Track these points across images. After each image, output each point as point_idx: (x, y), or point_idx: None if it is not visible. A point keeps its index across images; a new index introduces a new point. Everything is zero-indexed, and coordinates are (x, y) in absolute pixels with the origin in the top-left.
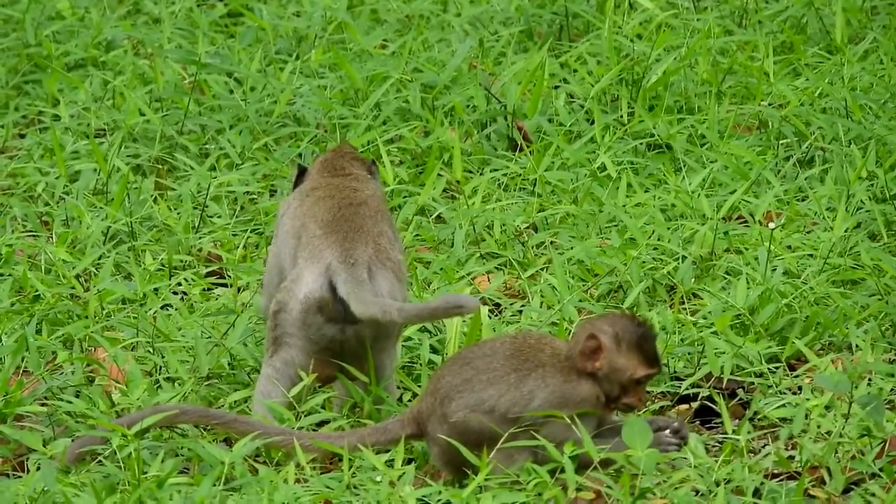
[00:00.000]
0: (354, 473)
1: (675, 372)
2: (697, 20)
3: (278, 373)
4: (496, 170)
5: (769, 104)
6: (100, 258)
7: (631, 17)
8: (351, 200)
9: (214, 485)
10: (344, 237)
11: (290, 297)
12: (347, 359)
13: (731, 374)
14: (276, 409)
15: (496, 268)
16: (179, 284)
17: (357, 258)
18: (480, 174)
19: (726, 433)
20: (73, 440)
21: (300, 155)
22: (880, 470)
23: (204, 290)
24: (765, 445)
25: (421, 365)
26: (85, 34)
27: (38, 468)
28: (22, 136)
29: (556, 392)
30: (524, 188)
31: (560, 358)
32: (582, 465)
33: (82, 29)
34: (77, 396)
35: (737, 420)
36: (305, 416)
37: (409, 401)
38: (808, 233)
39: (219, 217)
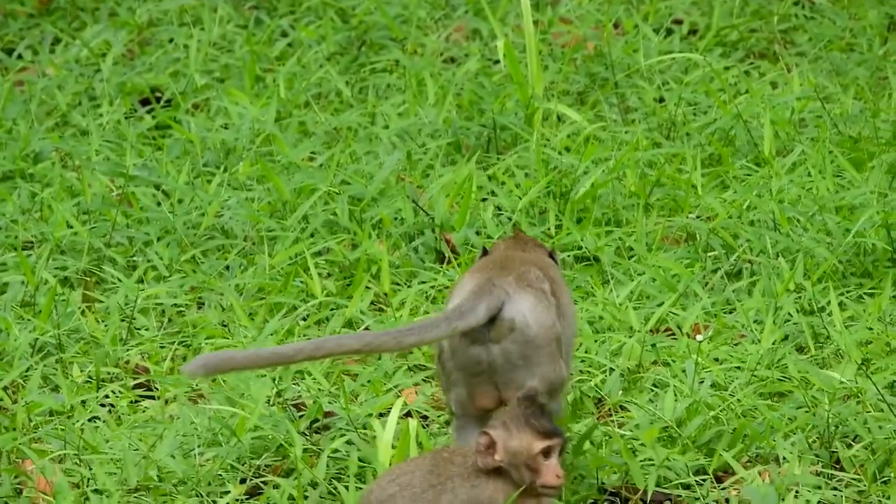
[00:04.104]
0: None
1: (602, 483)
2: (625, 133)
3: (459, 416)
4: (424, 282)
5: (697, 217)
6: (27, 370)
7: (559, 130)
8: (508, 255)
9: None
10: (488, 272)
11: None
12: (502, 380)
13: (659, 486)
14: None
15: (423, 380)
16: (107, 396)
17: (487, 288)
18: (408, 286)
19: None
20: None
21: (227, 267)
22: None
23: (131, 402)
24: None
25: (349, 476)
26: (13, 146)
27: None
28: None
29: (466, 500)
30: None
31: (467, 466)
32: None
33: (10, 141)
34: None
35: None
36: None
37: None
38: (735, 345)
39: (146, 329)
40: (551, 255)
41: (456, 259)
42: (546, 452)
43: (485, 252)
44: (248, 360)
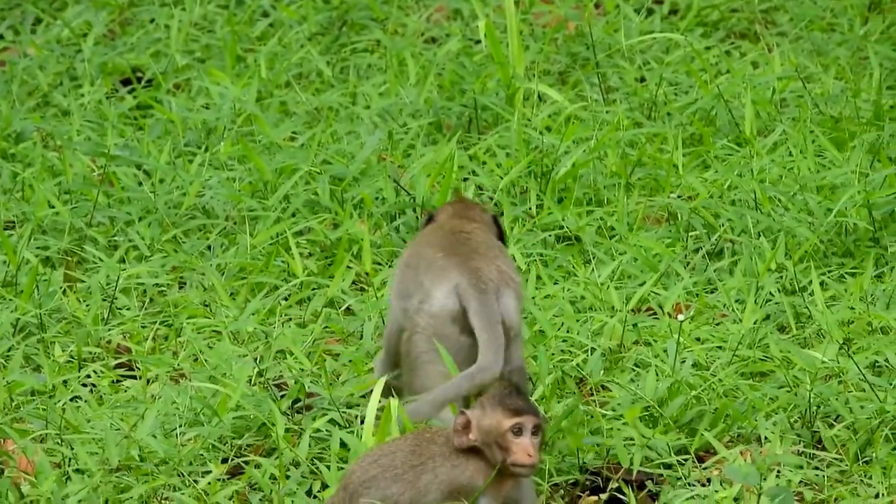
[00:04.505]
0: None
1: (584, 463)
2: (606, 112)
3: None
4: None
5: (678, 196)
6: (9, 350)
7: (540, 110)
8: (461, 229)
9: None
10: (466, 258)
11: (422, 315)
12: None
13: (641, 465)
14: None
15: None
16: (89, 376)
17: (486, 282)
18: (390, 266)
19: None
20: None
21: (209, 247)
22: None
23: (113, 381)
24: None
25: (331, 456)
26: None
27: None
28: None
29: (446, 480)
30: None
31: (449, 446)
32: None
33: None
34: None
35: None
36: None
37: (319, 492)
38: (717, 325)
39: (128, 309)
40: (495, 220)
41: None
42: (516, 431)
43: (430, 219)
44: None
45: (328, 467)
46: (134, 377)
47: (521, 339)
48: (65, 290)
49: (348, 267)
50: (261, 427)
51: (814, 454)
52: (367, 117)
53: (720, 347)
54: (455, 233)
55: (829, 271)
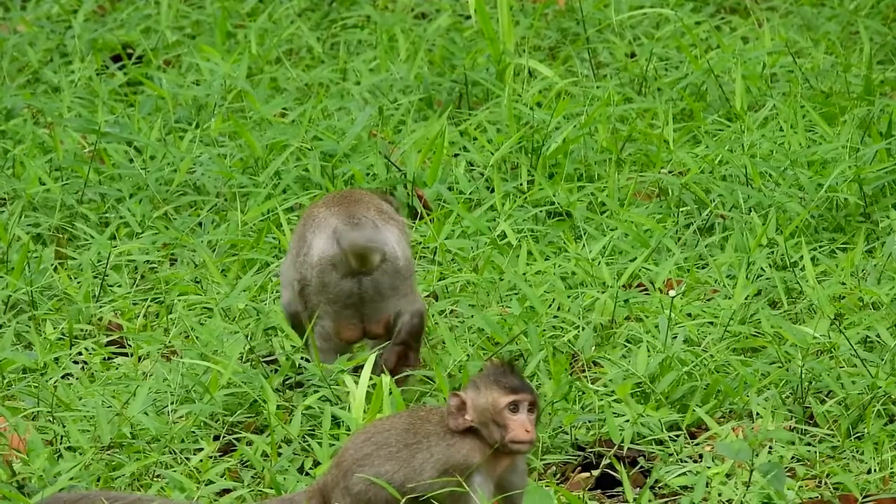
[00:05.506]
0: None
1: (576, 440)
2: (597, 88)
3: (323, 344)
4: None
5: (669, 172)
6: (0, 327)
7: (530, 86)
8: (350, 190)
9: None
10: (347, 207)
11: (306, 266)
12: (369, 311)
13: (633, 442)
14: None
15: None
16: (80, 354)
17: (360, 219)
18: None
19: (627, 502)
20: None
21: (200, 224)
22: None
23: (104, 359)
24: None
25: (322, 433)
26: None
27: None
28: None
29: (441, 459)
30: (424, 256)
31: (444, 424)
32: None
33: None
34: None
35: (638, 488)
36: (206, 485)
37: (311, 469)
38: (708, 300)
39: (119, 286)
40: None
41: (428, 214)
42: (513, 408)
43: None
44: None
45: (320, 444)
46: (125, 354)
47: (414, 276)
48: (56, 267)
49: None
50: (252, 404)
51: (805, 430)
52: (358, 93)
53: (711, 323)
54: (342, 194)
55: (820, 246)
